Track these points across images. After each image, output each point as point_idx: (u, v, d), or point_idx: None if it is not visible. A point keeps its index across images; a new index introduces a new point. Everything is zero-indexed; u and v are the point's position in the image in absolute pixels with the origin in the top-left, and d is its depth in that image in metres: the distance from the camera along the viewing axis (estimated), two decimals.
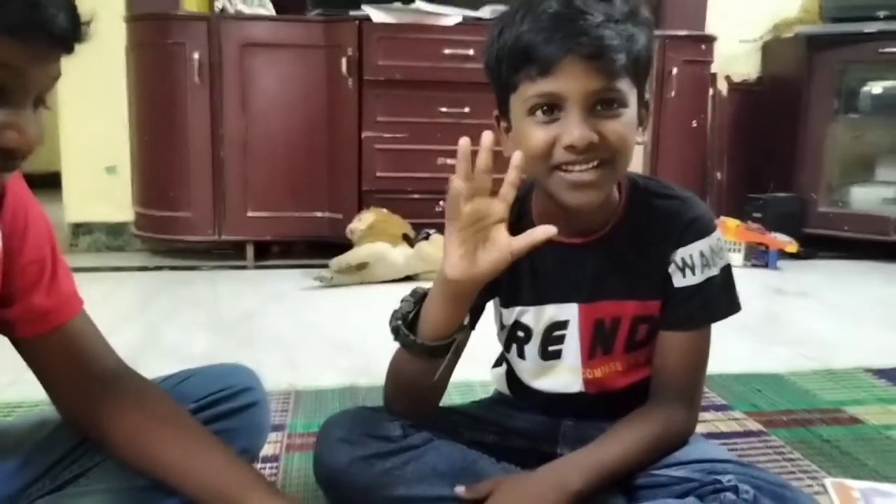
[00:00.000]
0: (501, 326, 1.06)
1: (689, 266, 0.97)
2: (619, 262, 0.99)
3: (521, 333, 1.04)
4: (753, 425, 1.43)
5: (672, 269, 0.97)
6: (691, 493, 0.89)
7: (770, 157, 3.50)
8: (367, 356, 1.82)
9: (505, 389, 1.14)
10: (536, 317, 1.02)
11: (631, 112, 0.89)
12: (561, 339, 1.02)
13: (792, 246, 3.06)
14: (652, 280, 0.98)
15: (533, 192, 1.01)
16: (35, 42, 0.61)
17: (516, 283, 1.01)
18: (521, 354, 1.05)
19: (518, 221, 0.98)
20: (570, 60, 0.84)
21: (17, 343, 0.83)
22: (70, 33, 0.64)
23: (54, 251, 0.84)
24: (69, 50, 0.65)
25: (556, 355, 1.03)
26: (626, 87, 0.88)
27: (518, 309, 1.03)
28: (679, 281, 0.97)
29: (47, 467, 0.86)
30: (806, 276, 2.93)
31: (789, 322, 2.30)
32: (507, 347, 1.08)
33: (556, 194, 0.91)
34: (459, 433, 1.02)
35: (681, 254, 0.97)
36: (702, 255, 0.97)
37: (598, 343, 1.01)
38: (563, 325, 1.01)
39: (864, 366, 1.80)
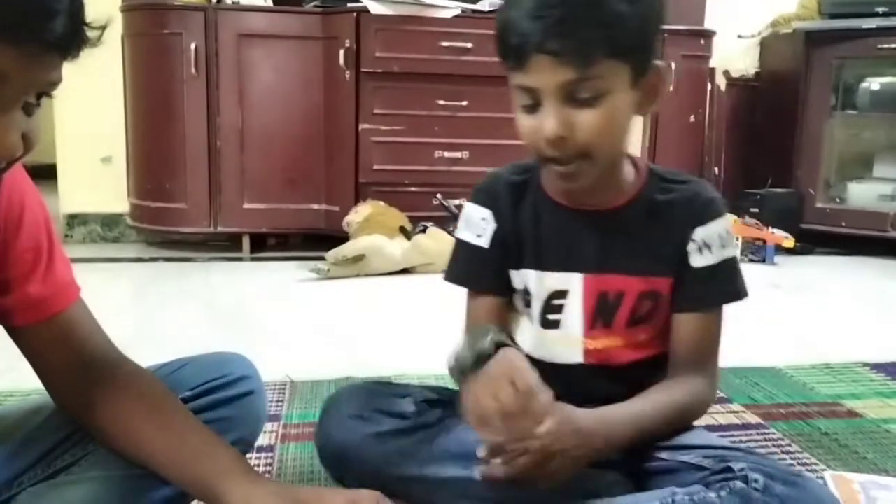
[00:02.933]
0: (514, 290, 1.06)
1: (707, 246, 0.98)
2: (629, 235, 0.99)
3: (526, 298, 1.04)
4: (752, 418, 1.43)
5: (691, 247, 0.98)
6: (700, 480, 0.88)
7: (768, 152, 3.50)
8: (362, 348, 1.81)
9: None
10: (537, 282, 1.02)
11: (617, 96, 0.87)
12: (560, 309, 1.01)
13: (789, 241, 3.06)
14: (663, 257, 0.99)
15: None
16: (26, 47, 0.57)
17: (521, 245, 1.02)
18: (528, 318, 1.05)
19: (523, 190, 1.02)
20: (539, 55, 0.84)
21: (11, 331, 0.82)
22: (67, 39, 0.59)
23: (51, 239, 0.83)
24: (68, 56, 0.61)
25: (555, 325, 1.02)
26: (608, 70, 0.86)
27: (523, 272, 1.02)
28: (697, 261, 0.98)
29: (40, 455, 0.85)
30: (803, 271, 2.93)
31: (786, 317, 2.29)
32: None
33: (549, 178, 0.97)
34: (457, 412, 1.02)
35: (700, 233, 0.98)
36: (719, 236, 0.98)
37: (599, 315, 1.01)
38: (562, 294, 1.01)
39: (861, 360, 1.80)
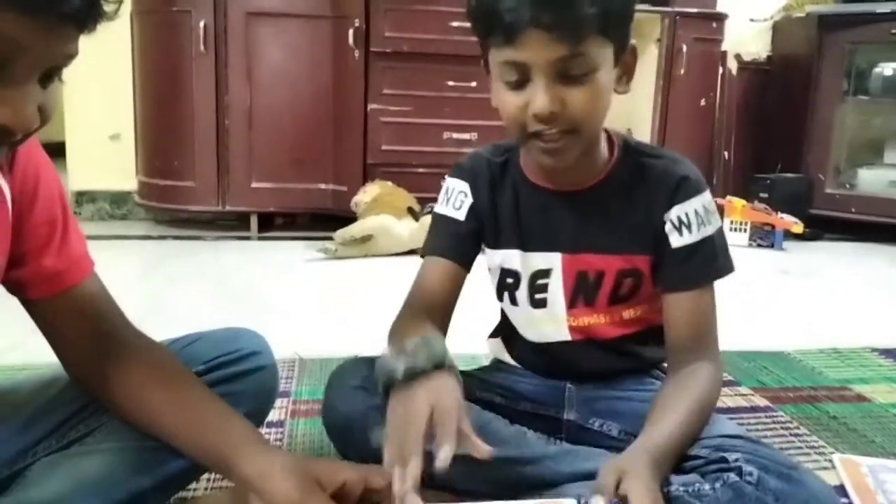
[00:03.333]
0: (489, 269, 1.08)
1: (685, 224, 0.97)
2: (604, 216, 0.99)
3: (509, 280, 1.05)
4: (760, 401, 1.43)
5: (668, 228, 0.97)
6: (696, 469, 0.86)
7: (778, 137, 3.48)
8: (370, 328, 1.80)
9: (503, 356, 1.15)
10: (522, 262, 1.03)
11: (603, 73, 0.88)
12: (545, 288, 1.03)
13: (798, 227, 3.05)
14: (639, 235, 0.99)
15: None
16: (44, 18, 0.56)
17: (499, 224, 1.04)
18: (513, 301, 1.07)
19: (503, 170, 1.04)
20: (532, 30, 0.83)
21: (26, 304, 0.82)
22: (84, 11, 0.59)
23: (65, 213, 0.83)
24: (85, 28, 0.60)
25: (542, 304, 1.04)
26: (595, 47, 0.86)
27: (502, 252, 1.04)
28: (676, 240, 0.97)
29: (54, 426, 0.86)
30: (812, 257, 2.92)
31: (795, 302, 2.29)
32: (499, 295, 1.09)
33: (531, 156, 0.96)
34: (471, 392, 1.01)
35: (676, 212, 0.97)
36: (696, 213, 0.97)
37: (579, 293, 1.02)
38: (546, 273, 1.02)
39: (870, 345, 1.79)
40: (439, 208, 1.07)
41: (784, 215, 3.06)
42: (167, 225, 3.15)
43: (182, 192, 2.93)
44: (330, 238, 2.66)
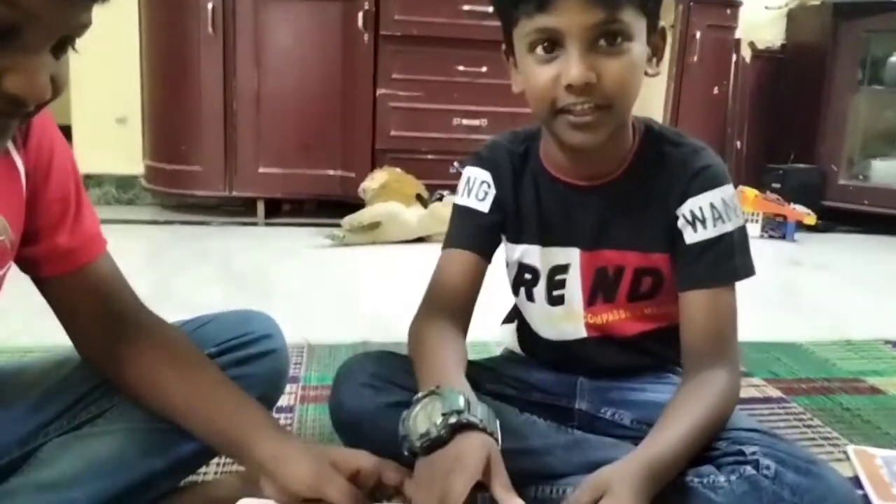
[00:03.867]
0: (507, 263, 1.05)
1: (699, 219, 0.91)
2: (624, 210, 0.96)
3: (527, 276, 1.02)
4: (773, 392, 1.41)
5: (681, 223, 0.92)
6: (712, 461, 0.84)
7: (791, 126, 3.45)
8: (379, 314, 1.80)
9: (515, 346, 1.13)
10: (542, 258, 1.00)
11: (637, 46, 0.84)
12: (562, 284, 1.00)
13: (810, 218, 3.03)
14: (656, 232, 0.94)
15: (542, 133, 0.99)
16: None
17: (521, 218, 1.00)
18: (529, 297, 1.04)
19: (524, 161, 1.00)
20: None
21: (39, 282, 0.81)
22: None
23: (79, 189, 0.82)
24: None
25: (560, 300, 1.01)
26: (631, 17, 0.83)
27: (522, 247, 1.01)
28: (690, 236, 0.92)
29: (65, 407, 0.85)
30: (824, 248, 2.90)
31: (807, 293, 2.27)
32: (515, 290, 1.06)
33: (558, 134, 0.89)
34: (481, 385, 1.00)
35: (689, 206, 0.92)
36: (713, 206, 0.91)
37: (598, 290, 0.99)
38: (564, 269, 0.99)
39: (883, 338, 1.78)
40: (460, 199, 1.02)
41: (796, 206, 3.04)
42: (173, 210, 3.14)
43: (189, 177, 2.92)
44: (337, 225, 2.65)
